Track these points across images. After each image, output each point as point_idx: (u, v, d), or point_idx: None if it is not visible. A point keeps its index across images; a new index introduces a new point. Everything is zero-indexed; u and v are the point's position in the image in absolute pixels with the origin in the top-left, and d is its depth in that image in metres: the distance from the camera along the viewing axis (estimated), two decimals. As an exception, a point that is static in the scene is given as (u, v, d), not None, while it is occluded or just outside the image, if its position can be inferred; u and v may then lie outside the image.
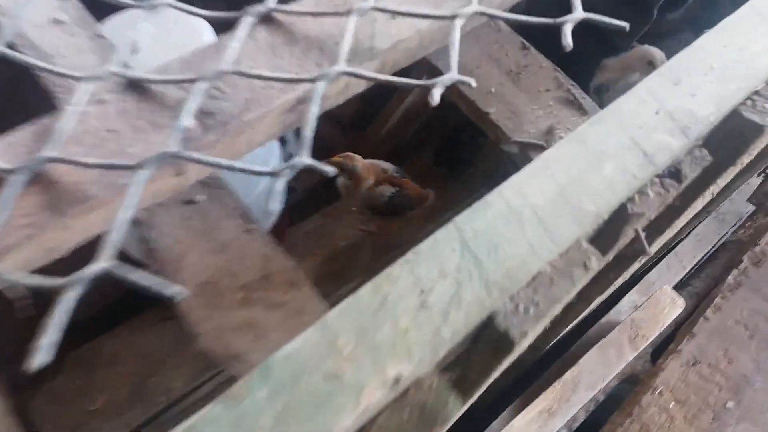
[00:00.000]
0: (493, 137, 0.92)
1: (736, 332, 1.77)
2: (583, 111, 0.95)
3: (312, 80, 0.64)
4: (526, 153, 0.89)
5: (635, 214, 0.72)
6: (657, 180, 0.73)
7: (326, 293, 2.08)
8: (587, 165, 0.69)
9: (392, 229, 2.09)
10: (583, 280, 0.66)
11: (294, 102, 0.68)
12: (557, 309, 0.65)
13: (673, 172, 0.73)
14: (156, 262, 0.74)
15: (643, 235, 0.74)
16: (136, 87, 0.65)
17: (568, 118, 0.94)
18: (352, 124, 2.32)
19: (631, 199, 0.71)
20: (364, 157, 2.11)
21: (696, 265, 2.09)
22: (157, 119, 0.63)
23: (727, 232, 2.14)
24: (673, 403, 1.65)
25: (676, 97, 0.76)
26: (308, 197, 2.20)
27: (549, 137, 0.91)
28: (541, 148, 0.90)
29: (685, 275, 2.00)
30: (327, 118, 2.51)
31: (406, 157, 2.37)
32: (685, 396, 1.67)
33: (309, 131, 0.63)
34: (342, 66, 0.65)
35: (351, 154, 1.87)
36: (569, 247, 0.66)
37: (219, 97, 0.64)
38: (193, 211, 0.76)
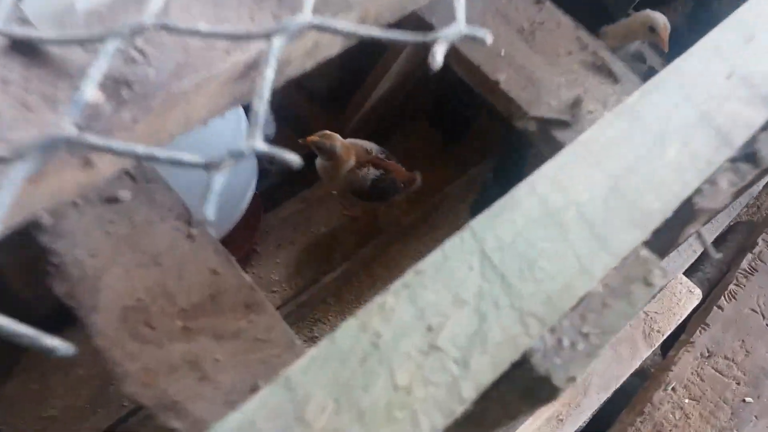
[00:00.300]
0: (503, 111, 0.74)
1: (753, 321, 1.63)
2: (614, 78, 0.77)
3: (267, 36, 0.46)
4: (547, 132, 0.72)
5: (702, 210, 0.55)
6: (729, 164, 0.56)
7: (305, 285, 1.92)
8: (645, 149, 0.52)
9: (376, 213, 1.92)
10: (644, 299, 0.50)
11: (244, 67, 0.50)
12: (611, 340, 0.48)
13: (749, 154, 0.56)
14: (65, 283, 0.55)
15: (705, 236, 0.57)
16: (22, 48, 0.46)
17: (596, 86, 0.76)
18: (331, 98, 2.13)
19: (698, 191, 0.54)
20: (346, 136, 1.92)
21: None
22: (53, 92, 0.44)
23: (738, 214, 2.00)
24: (687, 399, 1.51)
25: (751, 58, 0.58)
26: (284, 181, 2.01)
27: (575, 111, 0.73)
28: (565, 126, 0.72)
29: (696, 260, 1.86)
30: (301, 92, 2.32)
31: (395, 127, 2.18)
32: (701, 392, 1.53)
33: (261, 105, 0.44)
34: (307, 17, 0.47)
35: (329, 132, 1.68)
36: (626, 257, 0.48)
37: (139, 60, 0.46)
38: (116, 213, 0.57)
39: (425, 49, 0.46)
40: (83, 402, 1.70)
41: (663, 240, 0.56)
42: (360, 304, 1.83)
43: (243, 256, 1.82)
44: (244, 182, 1.67)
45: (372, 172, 1.72)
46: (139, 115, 0.44)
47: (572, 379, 0.46)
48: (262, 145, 0.44)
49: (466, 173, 2.02)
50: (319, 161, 1.72)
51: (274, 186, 2.00)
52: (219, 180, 0.43)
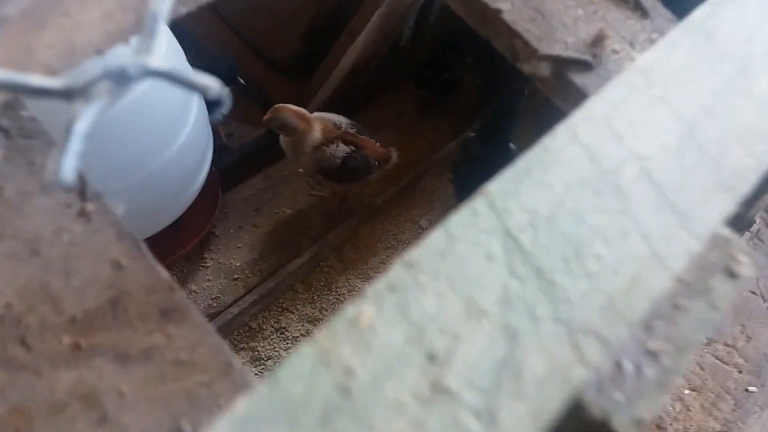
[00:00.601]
0: (506, 50, 0.58)
1: (754, 305, 1.52)
2: (642, 12, 0.60)
3: None
4: (563, 76, 0.56)
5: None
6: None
7: (270, 271, 1.74)
8: (725, 80, 0.36)
9: (347, 193, 1.75)
10: (728, 297, 0.34)
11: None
12: (690, 359, 0.33)
13: None
14: None
15: None
16: None
17: (621, 21, 0.60)
18: (295, 68, 1.94)
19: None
20: (313, 109, 1.75)
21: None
22: None
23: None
24: (687, 390, 1.39)
25: None
26: (245, 157, 1.83)
27: (597, 50, 0.57)
28: (586, 67, 0.56)
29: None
30: (262, 63, 2.13)
31: (373, 95, 2.01)
32: (701, 381, 1.41)
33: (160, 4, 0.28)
34: None
35: (279, 105, 1.50)
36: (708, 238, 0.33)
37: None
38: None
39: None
40: None
41: (739, 214, 0.41)
42: (331, 291, 1.67)
43: (199, 241, 1.64)
44: (199, 155, 1.49)
45: (342, 149, 1.54)
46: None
47: (639, 423, 0.31)
48: (157, 63, 0.27)
49: (445, 147, 1.86)
50: (282, 138, 1.54)
51: (234, 163, 1.82)
52: (87, 118, 0.26)
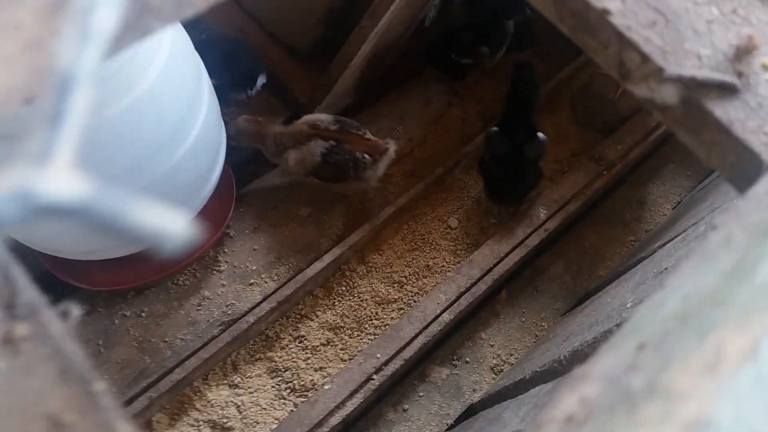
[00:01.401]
0: (614, 68, 0.44)
1: None
2: None
3: None
4: (697, 104, 0.42)
5: None
6: None
7: (289, 276, 1.63)
8: None
9: (367, 191, 1.63)
10: None
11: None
12: None
13: None
14: None
15: None
16: None
17: None
18: (315, 54, 1.82)
19: None
20: (335, 96, 1.65)
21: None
22: None
23: None
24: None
25: None
26: (259, 150, 1.71)
27: (744, 67, 0.43)
28: (728, 90, 0.42)
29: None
30: (278, 48, 1.99)
31: (398, 80, 1.88)
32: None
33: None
34: None
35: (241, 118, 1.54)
36: None
37: None
38: None
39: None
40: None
41: None
42: (353, 296, 1.56)
43: (214, 242, 1.54)
44: (211, 155, 1.38)
45: (320, 145, 1.47)
46: None
47: None
48: (60, 185, 0.15)
49: (475, 139, 1.73)
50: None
51: (249, 158, 1.71)
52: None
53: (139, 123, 1.13)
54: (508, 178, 1.55)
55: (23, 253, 1.42)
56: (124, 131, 1.12)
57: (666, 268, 0.97)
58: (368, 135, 1.52)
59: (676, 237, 1.20)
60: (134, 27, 0.29)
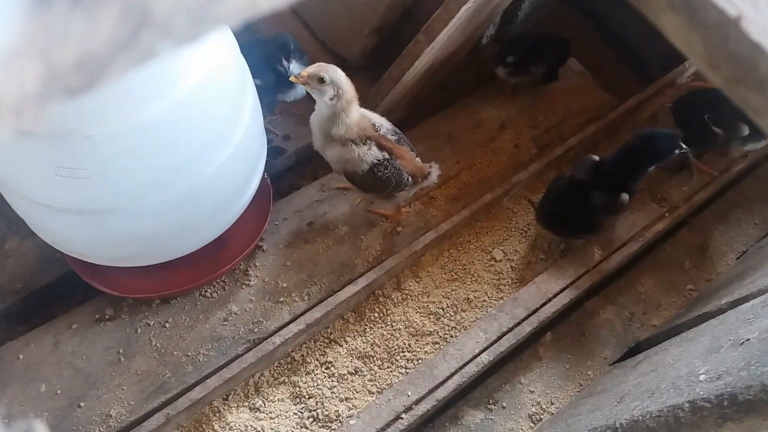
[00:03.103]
0: (749, 107, 0.34)
1: None
2: None
3: None
4: None
5: None
6: None
7: (321, 297, 1.54)
8: None
9: (402, 215, 1.53)
10: None
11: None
12: None
13: None
14: None
15: None
16: None
17: None
18: (365, 65, 1.74)
19: None
20: (384, 110, 1.55)
21: None
22: None
23: None
24: None
25: None
26: (301, 161, 1.63)
27: None
28: None
29: None
30: (329, 58, 1.92)
31: (450, 98, 1.79)
32: None
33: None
34: None
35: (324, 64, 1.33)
36: None
37: None
38: None
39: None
40: (45, 423, 1.39)
41: None
42: (385, 324, 1.46)
43: (246, 255, 1.47)
44: (250, 166, 1.31)
45: (373, 153, 1.32)
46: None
47: None
48: None
49: (528, 168, 1.63)
50: (313, 116, 1.35)
51: (288, 168, 1.64)
52: None
53: (175, 129, 1.07)
54: (569, 206, 1.44)
55: (48, 253, 1.38)
56: (160, 136, 1.06)
57: (748, 339, 0.85)
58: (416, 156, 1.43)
59: (752, 298, 1.08)
60: (128, 46, 0.21)
